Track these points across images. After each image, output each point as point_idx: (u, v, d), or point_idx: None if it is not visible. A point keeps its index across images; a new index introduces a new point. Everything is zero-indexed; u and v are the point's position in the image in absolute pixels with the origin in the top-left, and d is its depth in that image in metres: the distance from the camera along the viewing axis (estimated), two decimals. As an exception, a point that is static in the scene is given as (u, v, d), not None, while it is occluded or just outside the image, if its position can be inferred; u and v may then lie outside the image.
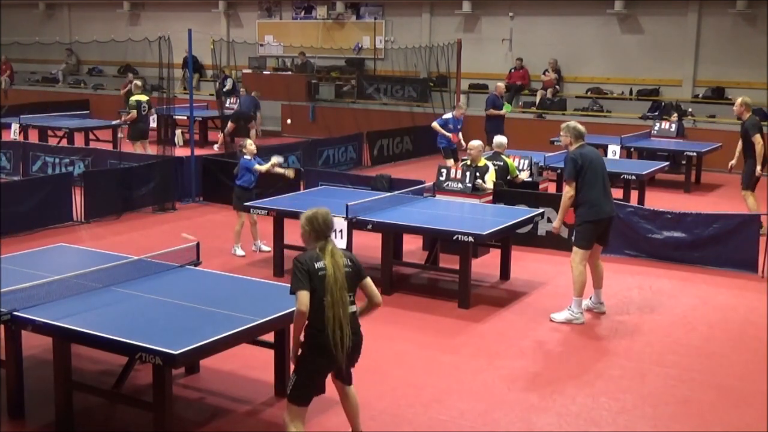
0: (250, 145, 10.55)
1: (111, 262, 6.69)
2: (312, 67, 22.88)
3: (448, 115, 15.24)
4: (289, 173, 10.63)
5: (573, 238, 8.20)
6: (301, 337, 5.06)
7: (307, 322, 4.99)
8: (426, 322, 8.12)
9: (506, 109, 16.84)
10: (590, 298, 8.46)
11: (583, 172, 7.92)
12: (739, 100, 11.91)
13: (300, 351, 5.07)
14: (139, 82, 16.61)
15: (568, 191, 8.00)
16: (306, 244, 5.21)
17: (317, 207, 5.22)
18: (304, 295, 4.91)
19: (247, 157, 10.41)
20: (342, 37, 23.55)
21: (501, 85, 17.44)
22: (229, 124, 17.10)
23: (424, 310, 8.45)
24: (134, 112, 15.57)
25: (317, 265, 4.98)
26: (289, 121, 19.48)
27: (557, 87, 20.55)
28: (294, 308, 4.96)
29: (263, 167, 10.33)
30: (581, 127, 8.20)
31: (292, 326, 5.12)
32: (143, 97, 15.82)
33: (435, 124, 15.09)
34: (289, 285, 5.02)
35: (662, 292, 9.22)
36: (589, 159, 8.00)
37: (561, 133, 8.24)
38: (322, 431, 5.87)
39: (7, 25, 26.01)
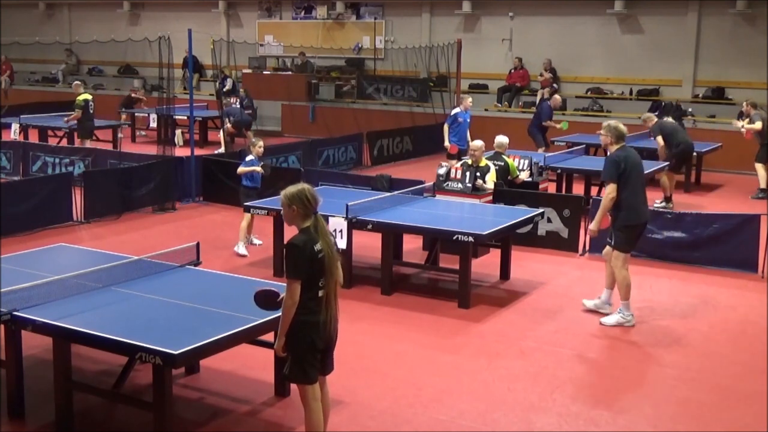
0: (260, 147, 10.58)
1: (111, 262, 6.69)
2: (312, 67, 22.88)
3: (456, 110, 14.91)
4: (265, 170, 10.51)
5: (613, 242, 8.04)
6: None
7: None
8: (426, 322, 8.11)
9: (563, 126, 16.21)
10: (599, 298, 8.44)
11: (625, 175, 7.81)
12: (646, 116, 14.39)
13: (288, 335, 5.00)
14: (80, 81, 17.34)
15: (610, 193, 7.81)
16: (292, 223, 5.07)
17: (295, 185, 5.06)
18: (298, 287, 4.88)
19: (250, 157, 10.47)
20: (342, 37, 23.54)
21: (558, 98, 17.25)
22: (229, 126, 17.11)
23: (424, 310, 8.45)
24: (79, 112, 15.92)
25: (316, 247, 4.94)
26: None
27: (554, 86, 20.52)
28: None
29: (244, 169, 10.41)
30: (623, 127, 8.04)
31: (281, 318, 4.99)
32: (89, 96, 16.29)
33: (445, 126, 14.80)
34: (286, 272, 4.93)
35: (662, 292, 9.22)
36: (633, 162, 7.91)
37: (601, 132, 8.09)
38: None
39: (7, 25, 25.98)
